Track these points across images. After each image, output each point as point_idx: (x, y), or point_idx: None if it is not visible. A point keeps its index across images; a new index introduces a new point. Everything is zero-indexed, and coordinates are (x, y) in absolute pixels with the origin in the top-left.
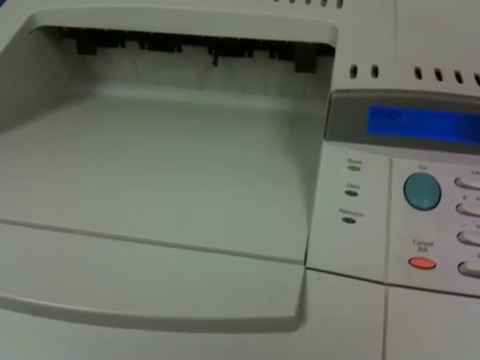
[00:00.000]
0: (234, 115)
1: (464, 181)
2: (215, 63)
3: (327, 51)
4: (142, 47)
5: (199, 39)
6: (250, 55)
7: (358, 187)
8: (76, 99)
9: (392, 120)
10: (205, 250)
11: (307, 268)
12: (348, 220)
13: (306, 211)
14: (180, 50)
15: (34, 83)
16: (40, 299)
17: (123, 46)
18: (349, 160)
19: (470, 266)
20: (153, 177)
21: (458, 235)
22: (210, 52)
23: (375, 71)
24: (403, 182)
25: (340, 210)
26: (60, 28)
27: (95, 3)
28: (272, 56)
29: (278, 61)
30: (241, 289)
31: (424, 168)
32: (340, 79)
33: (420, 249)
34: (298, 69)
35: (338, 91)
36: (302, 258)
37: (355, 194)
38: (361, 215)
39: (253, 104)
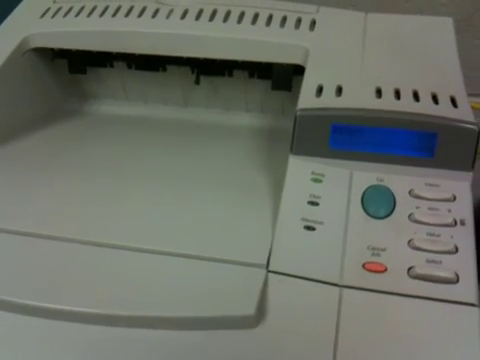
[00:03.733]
0: (217, 131)
1: (417, 192)
2: (197, 82)
3: (302, 71)
4: (129, 67)
5: (182, 59)
6: (230, 74)
7: (319, 197)
8: (68, 116)
9: (352, 136)
10: (176, 255)
11: (269, 271)
12: (309, 228)
13: (272, 219)
14: (165, 69)
15: (27, 101)
16: (33, 300)
17: (112, 66)
18: (312, 173)
19: (419, 270)
20: (136, 189)
21: (409, 242)
22: (193, 71)
23: (339, 90)
24: (361, 193)
25: (302, 219)
26: (52, 49)
27: (85, 26)
28: (251, 75)
29: (257, 80)
30: (207, 290)
31: (381, 180)
32: (306, 98)
33: (373, 254)
34: (275, 87)
35: (303, 109)
36: (265, 262)
37: (316, 204)
38: (321, 223)
39: (235, 120)
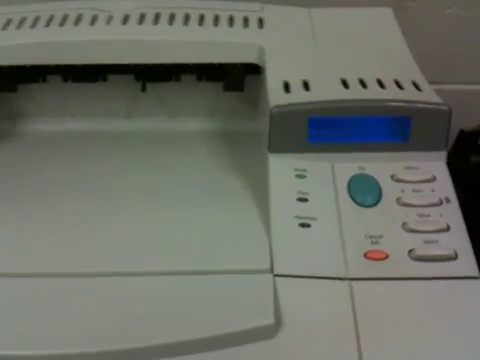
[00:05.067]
0: (166, 139)
1: (399, 176)
2: (143, 89)
3: (252, 70)
4: (65, 80)
5: (125, 67)
6: (177, 79)
7: (307, 193)
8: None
9: (329, 129)
10: (174, 274)
11: (275, 275)
12: (304, 225)
13: (262, 221)
14: (105, 79)
15: None
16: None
17: (45, 80)
18: (295, 169)
19: (419, 252)
20: (109, 211)
21: (403, 225)
22: (137, 79)
23: (306, 85)
24: (346, 183)
25: (295, 216)
26: None
27: (12, 40)
28: (199, 79)
29: (205, 83)
30: (218, 305)
31: (363, 169)
32: (276, 95)
33: (372, 242)
34: (227, 88)
35: (277, 106)
36: (269, 266)
37: (306, 200)
38: (314, 219)
39: (184, 126)
